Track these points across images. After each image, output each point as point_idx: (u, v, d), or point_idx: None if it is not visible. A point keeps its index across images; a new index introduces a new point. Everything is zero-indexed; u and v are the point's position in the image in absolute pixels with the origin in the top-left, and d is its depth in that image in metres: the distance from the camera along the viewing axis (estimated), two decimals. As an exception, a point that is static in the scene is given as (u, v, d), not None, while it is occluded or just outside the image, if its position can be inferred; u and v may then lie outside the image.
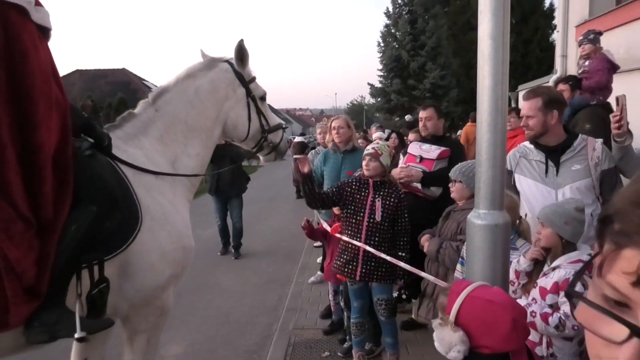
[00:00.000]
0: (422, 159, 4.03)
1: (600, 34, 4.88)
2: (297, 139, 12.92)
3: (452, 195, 3.12)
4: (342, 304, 4.39)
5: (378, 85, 27.96)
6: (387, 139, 6.85)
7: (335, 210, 3.91)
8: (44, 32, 2.03)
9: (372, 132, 8.93)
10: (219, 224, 8.02)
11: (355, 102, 64.85)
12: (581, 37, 4.89)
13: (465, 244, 2.72)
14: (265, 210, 12.10)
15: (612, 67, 4.64)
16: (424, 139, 4.20)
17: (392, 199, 3.40)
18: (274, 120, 3.05)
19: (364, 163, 3.45)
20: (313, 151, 6.71)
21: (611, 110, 4.60)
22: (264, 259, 7.68)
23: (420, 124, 4.27)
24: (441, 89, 25.49)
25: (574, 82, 4.70)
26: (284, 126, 3.15)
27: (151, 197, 2.35)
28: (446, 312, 1.55)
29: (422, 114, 4.24)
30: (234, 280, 6.54)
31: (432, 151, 4.00)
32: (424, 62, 25.81)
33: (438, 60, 25.72)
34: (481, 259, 1.96)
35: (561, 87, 4.78)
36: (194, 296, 5.84)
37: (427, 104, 4.47)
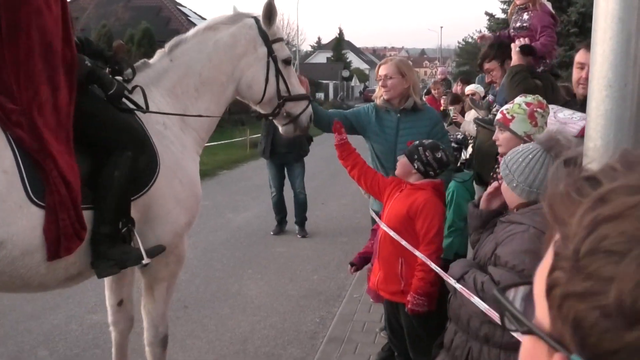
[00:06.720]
0: None
1: None
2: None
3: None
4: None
5: (500, 15, 26.86)
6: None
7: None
8: None
9: (456, 88, 8.48)
10: (274, 195, 8.64)
11: (469, 40, 62.80)
12: None
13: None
14: (325, 189, 12.02)
15: (555, 22, 4.64)
16: (569, 103, 3.55)
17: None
18: (298, 89, 3.74)
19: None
20: None
21: (558, 75, 5.12)
22: (310, 261, 7.54)
23: (575, 77, 3.62)
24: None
25: (523, 49, 4.38)
26: (311, 98, 3.87)
27: (163, 146, 3.13)
28: None
29: (577, 56, 3.62)
30: (263, 289, 6.47)
31: (572, 122, 3.30)
32: (571, -20, 24.17)
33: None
34: None
35: (487, 65, 4.65)
36: (206, 309, 5.80)
37: (584, 43, 3.70)
